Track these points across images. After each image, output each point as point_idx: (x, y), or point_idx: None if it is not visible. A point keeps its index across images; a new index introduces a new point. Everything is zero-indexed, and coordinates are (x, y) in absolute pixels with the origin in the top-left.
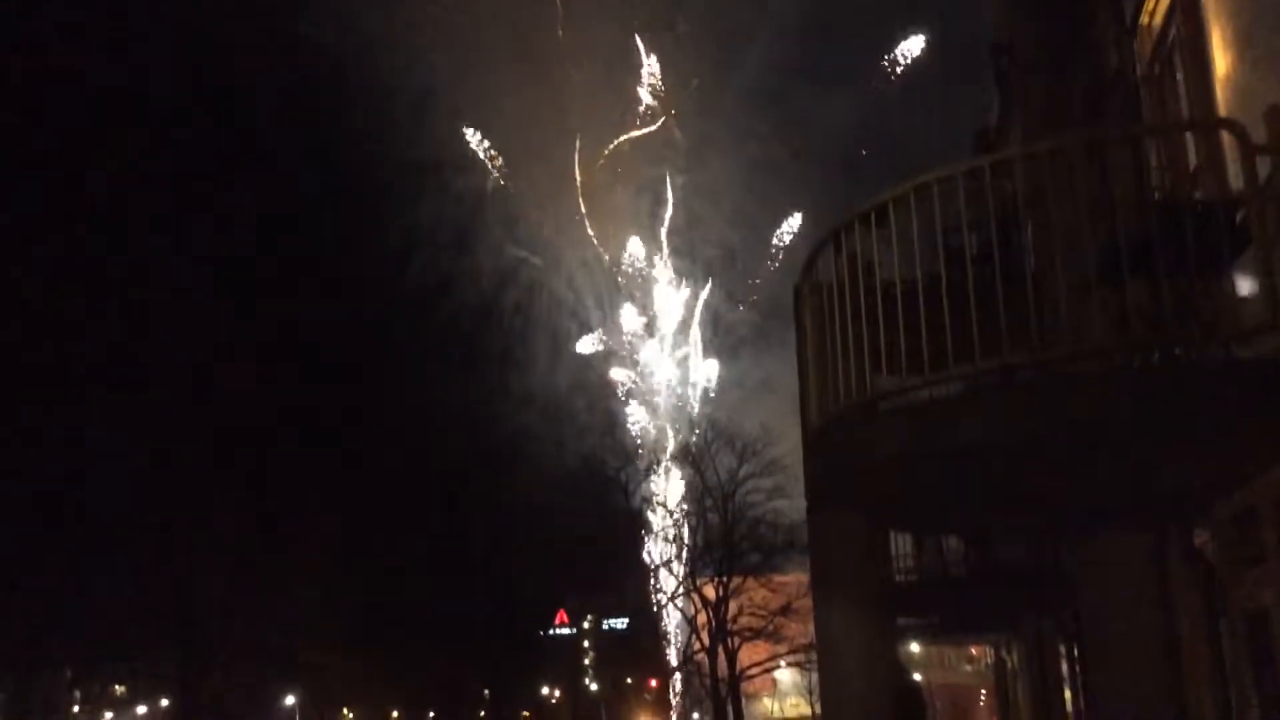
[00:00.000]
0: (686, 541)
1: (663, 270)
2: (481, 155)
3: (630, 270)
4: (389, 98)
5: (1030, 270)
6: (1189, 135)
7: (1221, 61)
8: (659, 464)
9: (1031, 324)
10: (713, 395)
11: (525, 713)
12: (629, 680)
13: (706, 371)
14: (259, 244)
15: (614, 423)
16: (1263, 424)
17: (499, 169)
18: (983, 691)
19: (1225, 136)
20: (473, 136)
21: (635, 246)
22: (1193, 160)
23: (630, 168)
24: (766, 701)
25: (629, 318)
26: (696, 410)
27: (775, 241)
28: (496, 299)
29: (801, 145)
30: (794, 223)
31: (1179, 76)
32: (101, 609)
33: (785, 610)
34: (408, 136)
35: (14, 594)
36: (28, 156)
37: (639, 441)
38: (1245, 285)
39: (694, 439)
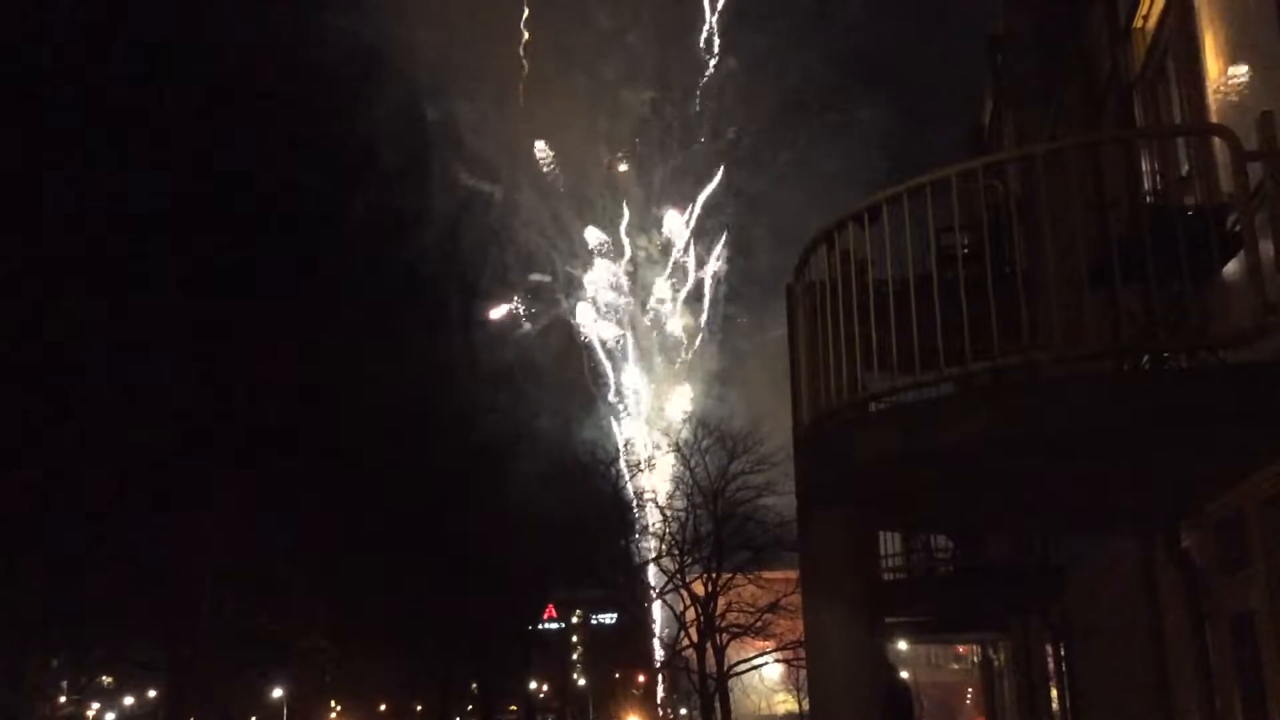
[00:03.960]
0: (675, 537)
1: None
2: None
3: None
4: None
5: (1022, 272)
6: (1181, 140)
7: (1214, 67)
8: (649, 460)
9: (1023, 326)
10: None
11: (513, 707)
12: (617, 675)
13: None
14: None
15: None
16: (1252, 428)
17: None
18: (969, 690)
19: (1217, 142)
20: None
21: None
22: (1184, 165)
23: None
24: (754, 698)
25: None
26: None
27: None
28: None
29: None
30: None
31: (1172, 81)
32: (89, 598)
33: (774, 607)
34: None
35: (2, 582)
36: None
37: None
38: (1235, 290)
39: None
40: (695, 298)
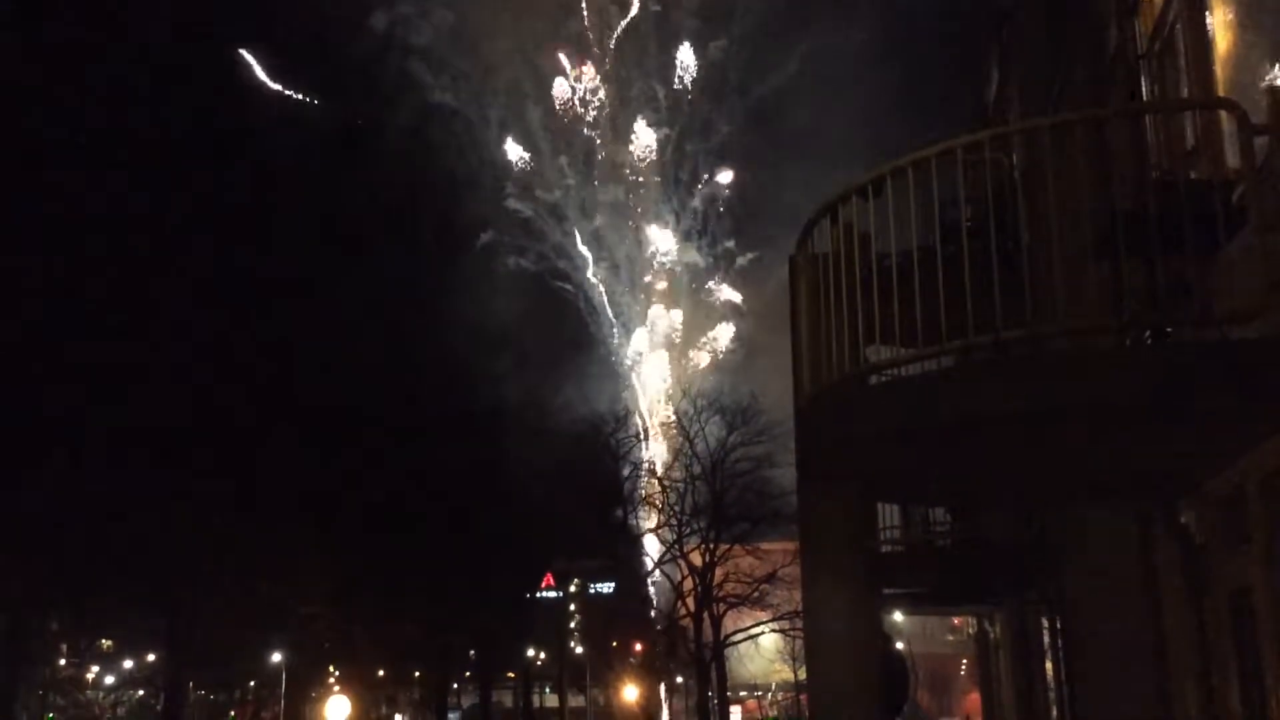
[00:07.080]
0: (674, 508)
1: None
2: None
3: None
4: None
5: (1025, 245)
6: (1188, 114)
7: (1222, 41)
8: (649, 430)
9: (1026, 299)
10: None
11: (511, 674)
12: (614, 644)
13: None
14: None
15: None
16: (1254, 404)
17: None
18: (964, 661)
19: (1224, 116)
20: None
21: None
22: (1191, 139)
23: None
24: (751, 667)
25: None
26: None
27: None
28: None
29: None
30: None
31: (1179, 55)
32: (88, 562)
33: (771, 578)
34: None
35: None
36: None
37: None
38: (1240, 265)
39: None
40: (699, 231)
